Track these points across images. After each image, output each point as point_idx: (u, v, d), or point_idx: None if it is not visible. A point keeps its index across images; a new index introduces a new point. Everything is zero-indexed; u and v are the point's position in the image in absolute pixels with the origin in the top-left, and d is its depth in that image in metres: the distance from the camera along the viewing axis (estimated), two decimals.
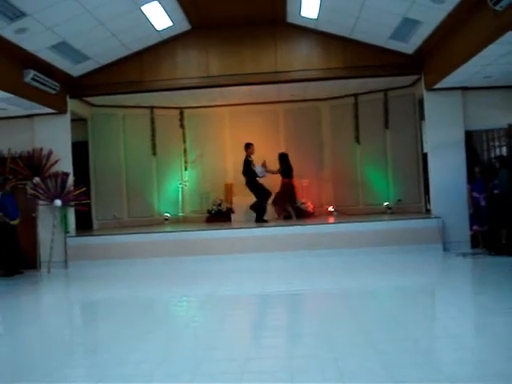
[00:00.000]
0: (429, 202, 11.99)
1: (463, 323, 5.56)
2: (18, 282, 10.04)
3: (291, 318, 6.39)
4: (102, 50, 10.78)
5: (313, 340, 5.09)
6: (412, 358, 4.36)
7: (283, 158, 13.10)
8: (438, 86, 10.68)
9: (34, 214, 11.38)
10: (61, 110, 11.45)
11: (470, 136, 11.12)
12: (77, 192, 11.47)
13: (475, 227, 10.56)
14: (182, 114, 14.65)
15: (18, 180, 11.13)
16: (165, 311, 7.27)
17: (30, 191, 11.19)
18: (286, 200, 13.12)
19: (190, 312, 7.12)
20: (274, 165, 13.08)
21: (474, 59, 8.62)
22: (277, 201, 13.15)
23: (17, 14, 8.16)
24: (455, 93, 11.03)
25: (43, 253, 11.29)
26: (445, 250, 10.70)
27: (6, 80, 9.32)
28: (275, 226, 11.73)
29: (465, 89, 10.99)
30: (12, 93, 9.53)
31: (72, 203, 11.48)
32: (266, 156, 13.04)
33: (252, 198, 12.87)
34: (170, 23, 10.77)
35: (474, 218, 10.60)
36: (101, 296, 8.37)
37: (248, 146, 12.93)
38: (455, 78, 9.94)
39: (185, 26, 11.27)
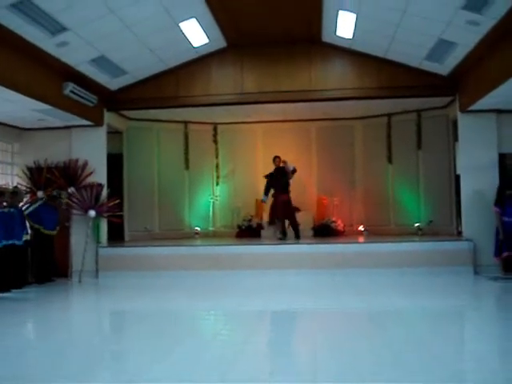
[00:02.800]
0: (460, 224, 11.86)
1: (491, 348, 5.50)
2: (49, 290, 10.19)
3: (317, 335, 6.38)
4: (139, 64, 11.00)
5: (339, 358, 5.08)
6: (437, 380, 4.33)
7: (283, 172, 12.65)
8: (472, 107, 10.61)
9: (67, 224, 11.56)
10: (98, 122, 11.69)
11: (503, 158, 11.02)
12: (111, 204, 11.66)
13: (505, 253, 10.09)
14: (215, 129, 14.82)
15: (53, 189, 11.25)
16: (192, 323, 7.32)
17: (64, 201, 11.38)
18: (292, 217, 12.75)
19: (217, 325, 7.17)
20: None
21: (510, 81, 8.56)
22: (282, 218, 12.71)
23: (58, 29, 8.42)
24: (490, 115, 10.95)
25: (75, 262, 11.46)
26: (476, 273, 10.56)
27: (46, 92, 9.58)
28: (305, 243, 11.74)
29: (499, 111, 10.91)
30: (51, 105, 9.79)
31: (105, 214, 11.67)
32: (297, 173, 12.95)
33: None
34: (207, 40, 10.94)
35: (504, 243, 10.12)
36: (130, 306, 8.48)
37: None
38: (490, 100, 9.86)
39: (221, 43, 11.43)
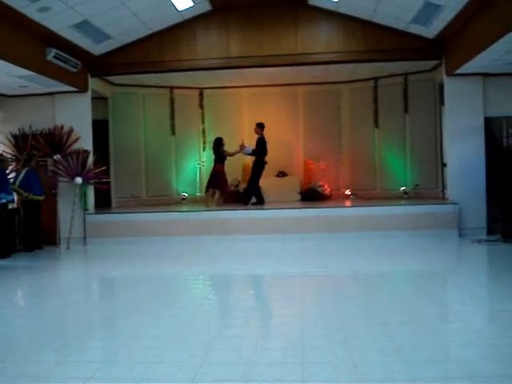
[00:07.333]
0: (446, 187, 11.96)
1: (475, 309, 5.60)
2: (37, 258, 10.22)
3: (304, 298, 6.47)
4: (123, 29, 10.82)
5: (324, 320, 5.18)
6: (421, 340, 4.43)
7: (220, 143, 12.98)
8: (458, 71, 10.59)
9: (54, 191, 11.53)
10: (82, 88, 11.55)
11: (489, 122, 11.06)
12: (97, 170, 11.61)
13: None
14: (201, 94, 14.71)
15: (38, 157, 11.20)
16: (181, 289, 7.37)
17: (50, 168, 11.34)
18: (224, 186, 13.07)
19: (206, 290, 7.25)
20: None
21: (496, 45, 8.51)
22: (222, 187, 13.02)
23: None
24: (476, 79, 10.93)
25: (63, 229, 11.47)
26: (460, 236, 10.69)
27: (29, 58, 9.43)
28: (292, 208, 11.79)
29: (486, 75, 10.89)
30: (34, 71, 9.64)
31: (92, 181, 11.63)
32: (283, 138, 13.08)
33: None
34: (191, 3, 10.76)
35: None
36: (118, 273, 8.53)
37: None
38: (476, 63, 9.86)
39: (205, 6, 11.26)
